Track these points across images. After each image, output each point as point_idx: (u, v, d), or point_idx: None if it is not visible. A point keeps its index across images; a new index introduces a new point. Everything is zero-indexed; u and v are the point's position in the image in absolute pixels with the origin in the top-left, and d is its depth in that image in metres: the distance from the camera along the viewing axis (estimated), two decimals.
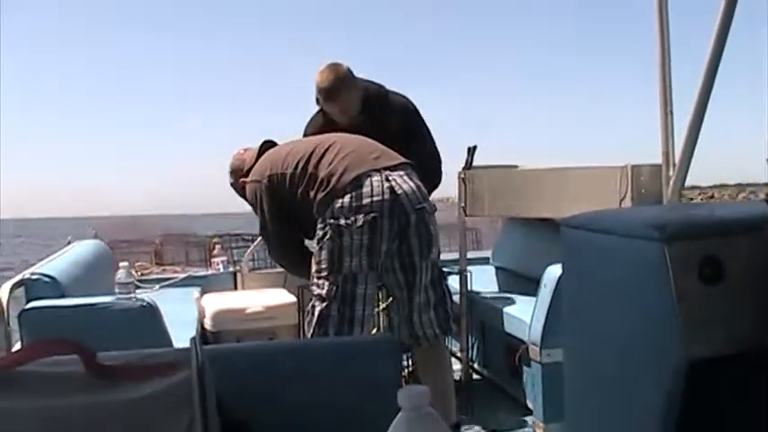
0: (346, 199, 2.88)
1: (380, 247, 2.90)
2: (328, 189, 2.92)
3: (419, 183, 3.02)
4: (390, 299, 3.23)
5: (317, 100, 3.69)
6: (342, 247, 2.89)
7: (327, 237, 2.91)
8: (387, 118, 3.65)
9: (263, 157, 3.27)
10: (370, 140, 3.16)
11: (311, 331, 2.98)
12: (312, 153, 3.05)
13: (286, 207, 3.12)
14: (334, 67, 3.59)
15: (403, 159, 3.06)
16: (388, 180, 2.92)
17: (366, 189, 2.89)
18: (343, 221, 2.87)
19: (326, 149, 3.04)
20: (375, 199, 2.88)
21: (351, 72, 3.58)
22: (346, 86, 3.58)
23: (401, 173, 2.98)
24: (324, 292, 2.95)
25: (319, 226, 2.95)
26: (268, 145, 3.38)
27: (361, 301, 2.93)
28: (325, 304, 2.94)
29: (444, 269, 3.58)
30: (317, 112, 3.77)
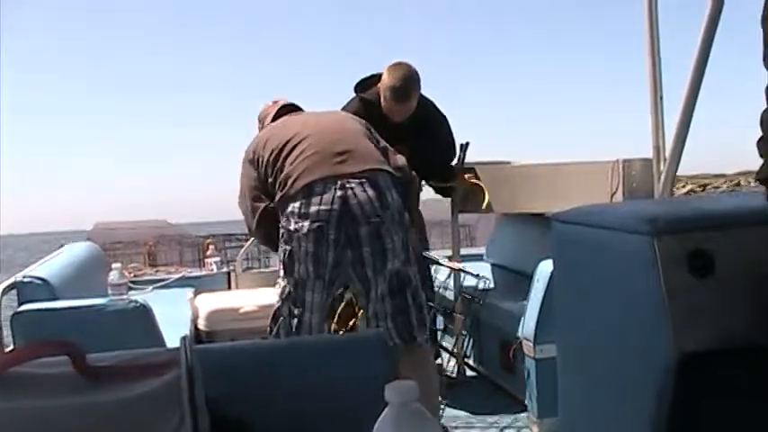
0: (296, 204, 2.79)
1: (327, 257, 2.78)
2: (284, 191, 2.84)
3: (385, 192, 2.84)
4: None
5: (359, 89, 3.71)
6: (292, 252, 2.82)
7: (282, 239, 2.86)
8: (432, 127, 3.73)
9: (263, 130, 3.18)
10: (349, 137, 2.99)
11: (268, 328, 2.97)
12: (286, 144, 2.93)
13: (260, 186, 3.01)
14: (407, 66, 3.64)
15: (373, 166, 2.88)
16: (343, 188, 2.77)
17: (315, 197, 2.77)
18: (292, 227, 2.79)
19: (298, 143, 2.92)
20: (323, 208, 2.75)
21: (418, 73, 3.63)
22: (416, 89, 3.63)
23: (362, 181, 2.81)
24: (279, 291, 2.92)
25: (280, 225, 2.89)
26: (284, 110, 3.28)
27: (309, 309, 2.85)
28: (279, 304, 2.91)
29: (438, 264, 3.60)
30: (356, 101, 3.77)
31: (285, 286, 2.87)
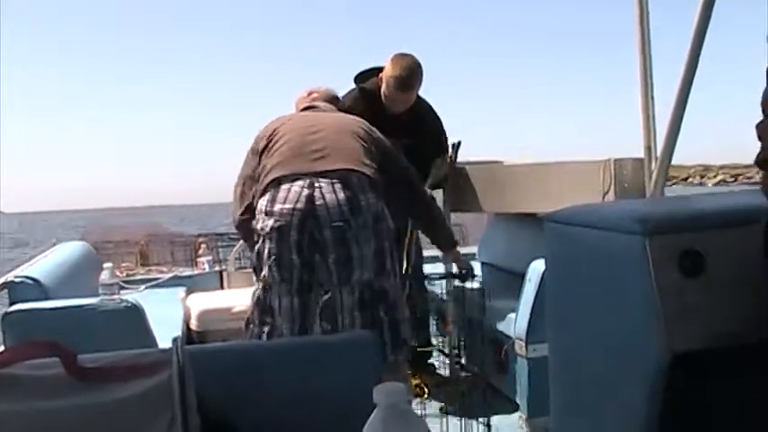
0: (264, 201, 2.66)
1: (291, 259, 2.61)
2: (257, 187, 2.75)
3: (358, 194, 2.64)
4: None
5: (358, 80, 3.71)
6: (259, 253, 2.69)
7: (254, 239, 2.73)
8: (428, 123, 3.74)
9: (269, 122, 2.99)
10: (332, 134, 2.79)
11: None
12: (272, 136, 2.82)
13: (252, 179, 2.87)
14: (412, 57, 3.65)
15: (350, 165, 2.69)
16: (311, 187, 2.60)
17: (282, 193, 2.62)
18: (259, 225, 2.67)
19: (280, 137, 2.79)
20: (286, 206, 2.59)
21: (421, 66, 3.65)
22: (419, 80, 3.64)
23: (333, 181, 2.62)
24: (252, 297, 2.80)
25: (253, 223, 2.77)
26: (305, 106, 3.12)
27: (279, 315, 2.69)
28: (250, 310, 2.79)
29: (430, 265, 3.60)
30: (356, 91, 3.78)
31: (255, 290, 2.77)
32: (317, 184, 2.61)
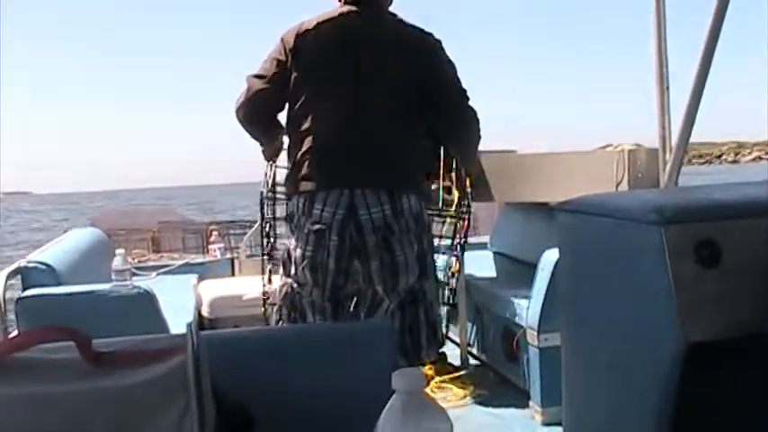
0: (302, 199, 2.57)
1: (327, 263, 2.53)
2: (296, 176, 2.60)
3: (402, 196, 2.56)
4: None
5: None
6: (290, 249, 2.64)
7: (288, 232, 2.66)
8: None
9: (311, 20, 2.66)
10: (379, 133, 2.60)
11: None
12: (316, 100, 2.59)
13: (275, 90, 2.67)
14: None
15: (392, 170, 2.58)
16: (352, 191, 2.52)
17: (320, 193, 2.53)
18: (294, 223, 2.60)
19: (324, 119, 2.58)
20: (327, 210, 2.51)
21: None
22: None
23: (375, 186, 2.53)
24: (278, 289, 2.75)
25: (287, 212, 2.70)
26: None
27: (311, 311, 2.63)
28: (279, 304, 2.72)
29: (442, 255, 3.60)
30: None
31: (284, 285, 2.71)
32: (357, 190, 2.52)
